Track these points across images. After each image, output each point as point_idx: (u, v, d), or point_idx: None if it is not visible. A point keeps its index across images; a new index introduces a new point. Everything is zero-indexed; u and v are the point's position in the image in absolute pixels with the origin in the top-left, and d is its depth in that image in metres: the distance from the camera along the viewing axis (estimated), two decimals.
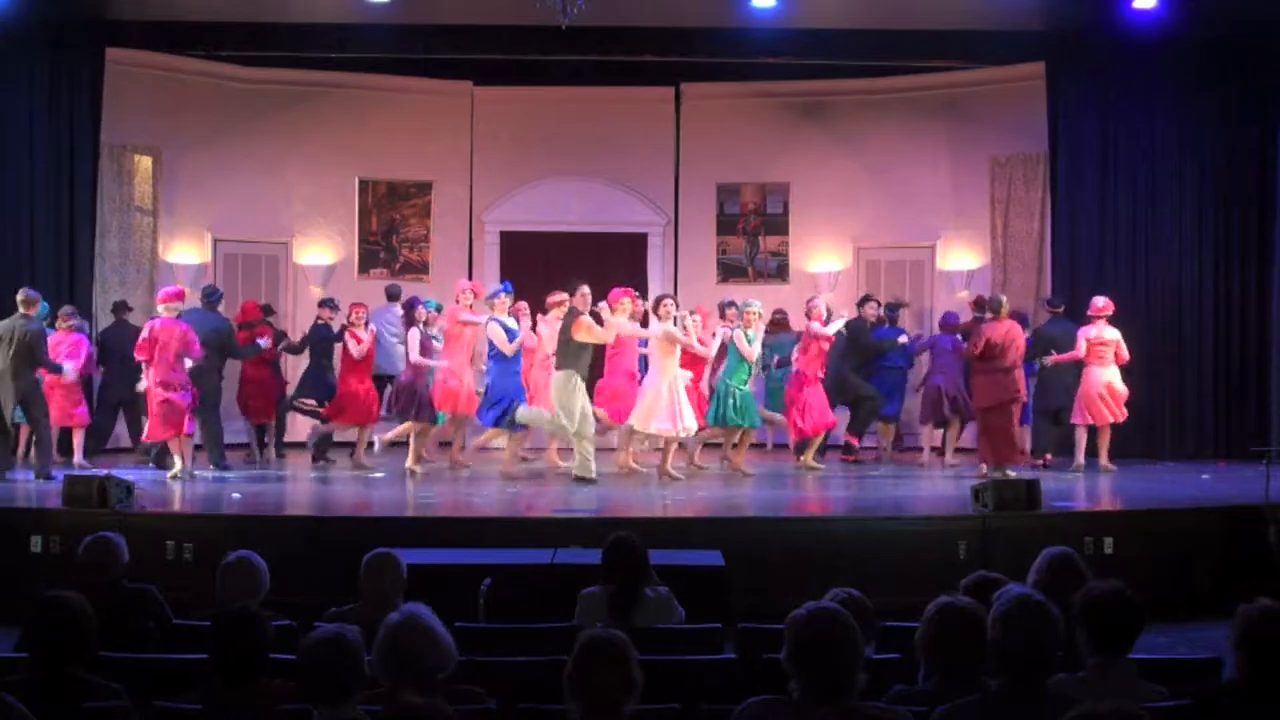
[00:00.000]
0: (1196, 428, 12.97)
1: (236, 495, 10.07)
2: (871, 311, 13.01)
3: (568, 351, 10.72)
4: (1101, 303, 11.72)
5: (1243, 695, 3.70)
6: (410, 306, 11.72)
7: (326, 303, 13.05)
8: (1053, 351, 11.80)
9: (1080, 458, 11.72)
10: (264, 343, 12.09)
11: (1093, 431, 11.80)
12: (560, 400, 10.67)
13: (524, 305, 12.00)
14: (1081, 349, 11.60)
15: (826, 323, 11.83)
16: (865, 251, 15.27)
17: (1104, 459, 11.73)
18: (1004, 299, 11.43)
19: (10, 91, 12.68)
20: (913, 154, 14.90)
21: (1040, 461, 11.93)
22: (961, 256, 14.90)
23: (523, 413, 11.05)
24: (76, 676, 4.09)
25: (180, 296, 10.99)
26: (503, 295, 11.46)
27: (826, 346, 11.78)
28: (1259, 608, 3.74)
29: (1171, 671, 4.48)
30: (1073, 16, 12.87)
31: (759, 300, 11.80)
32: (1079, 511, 9.21)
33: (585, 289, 11.10)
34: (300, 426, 13.25)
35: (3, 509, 9.04)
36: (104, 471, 9.16)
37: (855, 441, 12.71)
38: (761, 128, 15.30)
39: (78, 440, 11.79)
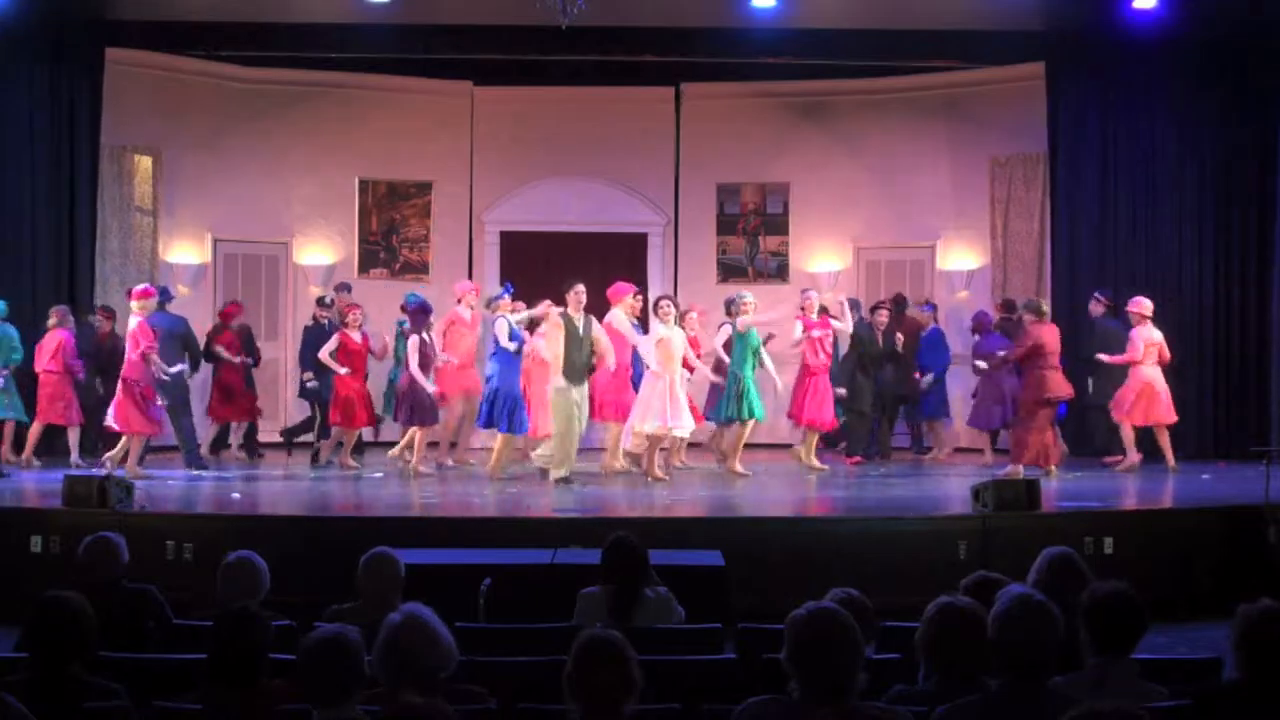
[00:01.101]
0: (1196, 428, 12.93)
1: (236, 495, 10.07)
2: (883, 319, 12.97)
3: (563, 360, 10.67)
4: (1148, 303, 11.70)
5: (1243, 695, 3.70)
6: (417, 311, 11.57)
7: (320, 301, 13.08)
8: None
9: (1133, 455, 11.65)
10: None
11: (1152, 431, 11.76)
12: (557, 411, 10.62)
13: (521, 305, 11.95)
14: (1139, 351, 11.54)
15: (821, 321, 11.95)
16: (865, 251, 15.26)
17: (1169, 458, 11.68)
18: (1042, 302, 11.47)
19: (10, 91, 12.67)
20: (913, 154, 14.88)
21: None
22: (961, 256, 14.89)
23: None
24: (76, 676, 4.09)
25: (151, 295, 11.19)
26: (505, 298, 11.42)
27: (818, 336, 11.85)
28: (1259, 608, 3.75)
29: (1171, 671, 4.48)
30: (1073, 16, 12.87)
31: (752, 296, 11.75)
32: (1079, 511, 9.19)
33: (579, 288, 10.91)
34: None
35: (3, 509, 9.05)
36: (103, 471, 9.15)
37: (859, 460, 12.62)
38: (761, 128, 15.28)
39: (72, 439, 11.77)
